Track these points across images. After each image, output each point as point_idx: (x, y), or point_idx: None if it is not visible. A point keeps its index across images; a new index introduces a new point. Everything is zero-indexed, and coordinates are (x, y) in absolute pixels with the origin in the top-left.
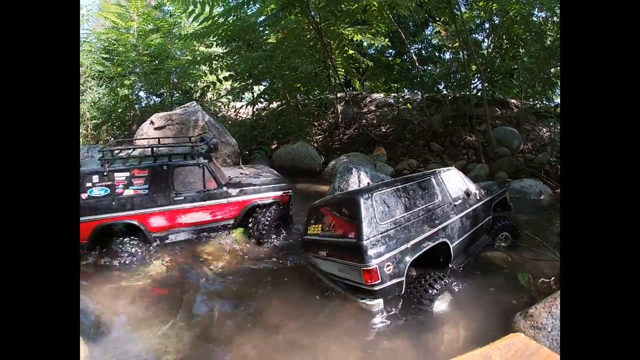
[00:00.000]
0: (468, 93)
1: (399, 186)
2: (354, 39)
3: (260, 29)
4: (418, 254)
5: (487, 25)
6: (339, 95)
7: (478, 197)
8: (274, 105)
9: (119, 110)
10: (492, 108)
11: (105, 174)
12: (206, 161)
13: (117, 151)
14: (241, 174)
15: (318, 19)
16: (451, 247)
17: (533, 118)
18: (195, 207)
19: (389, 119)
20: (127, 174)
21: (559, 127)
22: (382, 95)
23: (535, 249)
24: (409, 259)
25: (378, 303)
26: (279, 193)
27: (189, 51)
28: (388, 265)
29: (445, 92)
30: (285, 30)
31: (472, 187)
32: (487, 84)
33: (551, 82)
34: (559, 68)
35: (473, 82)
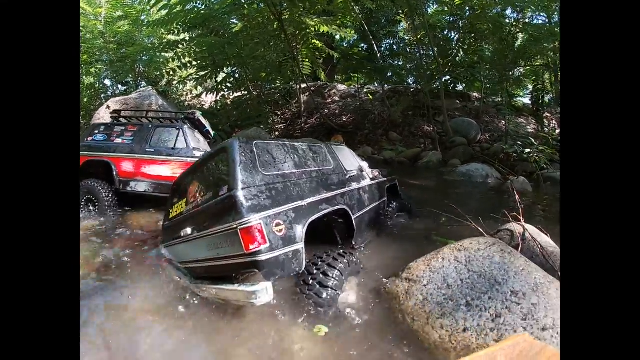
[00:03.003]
0: (424, 84)
1: (287, 142)
2: (321, 30)
3: (226, 16)
4: (316, 216)
5: (450, 20)
6: (303, 85)
7: (372, 176)
8: (238, 94)
9: (85, 100)
10: (453, 100)
11: (110, 125)
12: (185, 126)
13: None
14: None
15: (280, 9)
16: (352, 217)
17: (493, 111)
18: (159, 160)
19: (351, 109)
20: (123, 127)
21: (542, 122)
22: (345, 86)
23: (454, 217)
24: (305, 221)
25: (264, 289)
26: None
27: (157, 39)
28: (278, 224)
29: (407, 84)
30: (250, 19)
31: (365, 165)
32: (449, 77)
33: (507, 77)
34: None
35: (436, 75)
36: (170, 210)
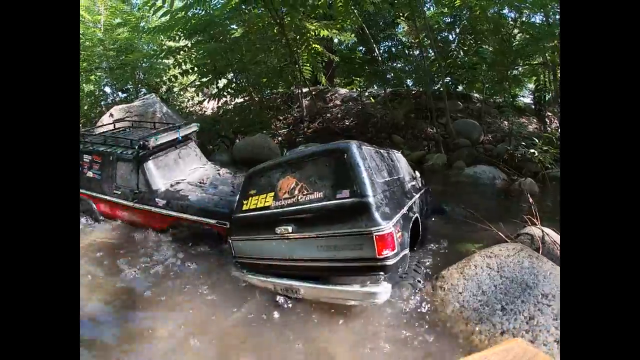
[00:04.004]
0: (425, 86)
1: (377, 148)
2: (321, 34)
3: (226, 22)
4: (411, 224)
5: (449, 21)
6: (304, 90)
7: (420, 184)
8: (240, 100)
9: (85, 107)
10: (454, 102)
11: (80, 151)
12: (148, 161)
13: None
14: (200, 183)
15: (281, 13)
16: (420, 223)
17: (495, 111)
18: (127, 206)
19: (353, 113)
20: (90, 157)
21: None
22: (347, 90)
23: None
24: (408, 227)
25: (386, 290)
26: (210, 221)
27: (157, 45)
28: (398, 231)
29: (408, 86)
30: (251, 24)
31: (417, 174)
32: (450, 79)
33: (508, 77)
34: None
35: (436, 77)
36: (245, 202)
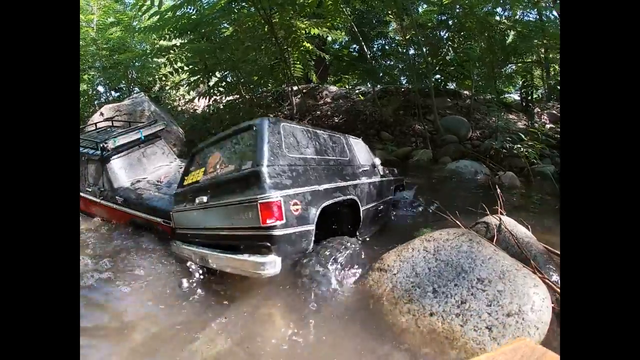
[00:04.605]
0: (414, 84)
1: (311, 129)
2: (312, 33)
3: (216, 21)
4: (329, 202)
5: (443, 19)
6: (295, 88)
7: (382, 173)
8: (231, 98)
9: None
10: (444, 99)
11: None
12: (110, 161)
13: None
14: (158, 181)
15: (270, 12)
16: (361, 208)
17: (484, 108)
18: (96, 203)
19: (343, 110)
20: None
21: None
22: (337, 87)
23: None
24: (319, 205)
25: (273, 262)
26: (157, 219)
27: (149, 45)
28: (295, 204)
29: (401, 83)
30: (240, 23)
31: (377, 161)
32: (440, 76)
33: (499, 74)
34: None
35: (427, 74)
36: (185, 178)
